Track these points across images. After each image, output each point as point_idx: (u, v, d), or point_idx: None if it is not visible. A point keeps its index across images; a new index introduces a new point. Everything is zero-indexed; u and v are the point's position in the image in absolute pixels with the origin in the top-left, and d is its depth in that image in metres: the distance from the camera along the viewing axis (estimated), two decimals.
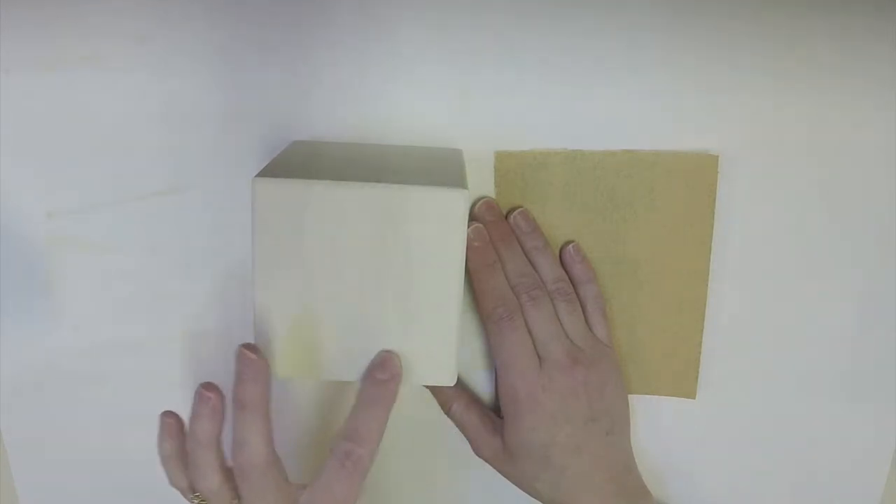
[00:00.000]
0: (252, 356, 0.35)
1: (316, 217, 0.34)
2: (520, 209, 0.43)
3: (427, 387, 0.45)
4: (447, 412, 0.44)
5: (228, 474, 0.37)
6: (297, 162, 0.37)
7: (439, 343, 0.36)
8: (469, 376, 0.46)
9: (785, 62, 0.41)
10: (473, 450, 0.44)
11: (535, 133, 0.42)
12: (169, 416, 0.39)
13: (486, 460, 0.43)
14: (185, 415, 0.38)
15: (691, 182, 0.43)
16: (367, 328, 0.36)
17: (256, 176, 0.34)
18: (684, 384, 0.46)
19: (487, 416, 0.44)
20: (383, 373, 0.36)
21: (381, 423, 0.36)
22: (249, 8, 0.40)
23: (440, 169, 0.38)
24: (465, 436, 0.44)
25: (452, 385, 0.37)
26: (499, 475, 0.43)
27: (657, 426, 0.47)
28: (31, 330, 0.45)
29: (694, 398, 0.46)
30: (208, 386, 0.36)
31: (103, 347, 0.45)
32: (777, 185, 0.43)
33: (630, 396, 0.45)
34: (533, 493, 0.42)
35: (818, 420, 0.47)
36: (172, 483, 0.39)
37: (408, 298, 0.35)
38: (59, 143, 0.42)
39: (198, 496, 0.38)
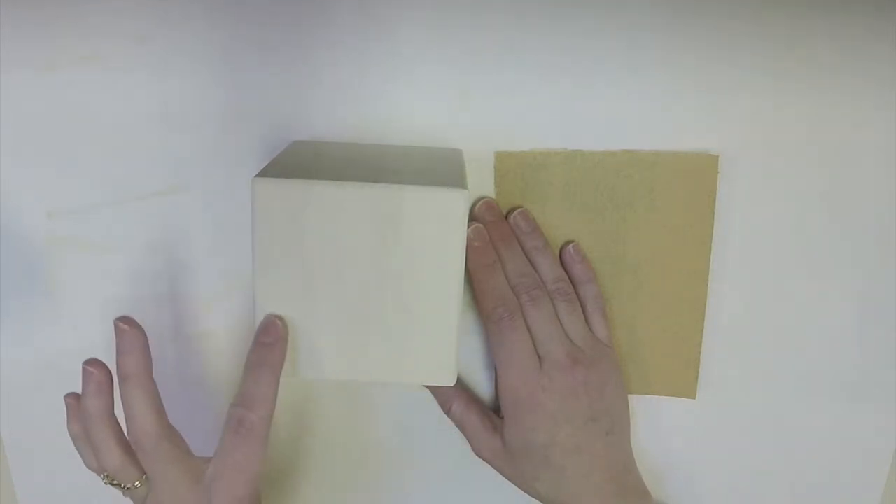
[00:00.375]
0: (125, 327, 0.36)
1: (316, 217, 0.34)
2: (520, 209, 0.43)
3: (427, 387, 0.45)
4: (447, 412, 0.44)
5: (131, 450, 0.37)
6: (297, 162, 0.37)
7: (439, 343, 0.36)
8: (469, 376, 0.46)
9: (785, 62, 0.41)
10: (473, 450, 0.44)
11: (535, 133, 0.42)
12: (71, 398, 0.39)
13: (486, 460, 0.43)
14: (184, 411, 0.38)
15: (691, 182, 0.43)
16: (367, 328, 0.36)
17: (256, 176, 0.34)
18: (684, 384, 0.46)
19: (487, 416, 0.44)
20: (268, 336, 0.35)
21: (271, 386, 0.36)
22: (249, 8, 0.40)
23: (440, 169, 0.38)
24: (465, 436, 0.44)
25: (452, 385, 0.37)
26: (499, 475, 0.43)
27: (657, 426, 0.47)
28: (31, 330, 0.45)
29: (694, 398, 0.46)
30: (91, 362, 0.37)
31: (103, 347, 0.45)
32: (777, 185, 0.43)
33: (630, 396, 0.45)
34: (533, 493, 0.42)
35: (818, 420, 0.47)
36: (86, 464, 0.39)
37: (408, 298, 0.35)
38: (59, 143, 0.42)
39: (108, 475, 0.38)
